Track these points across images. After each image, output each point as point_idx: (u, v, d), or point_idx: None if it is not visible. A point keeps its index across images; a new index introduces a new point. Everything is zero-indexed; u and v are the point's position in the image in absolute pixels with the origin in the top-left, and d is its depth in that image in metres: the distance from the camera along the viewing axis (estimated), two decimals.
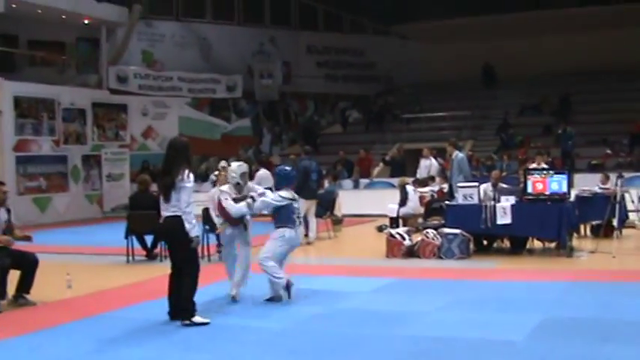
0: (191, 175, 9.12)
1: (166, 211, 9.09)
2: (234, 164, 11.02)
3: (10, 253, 10.67)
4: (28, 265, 10.64)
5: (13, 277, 10.62)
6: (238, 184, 10.52)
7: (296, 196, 10.84)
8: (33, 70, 28.81)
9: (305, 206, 17.46)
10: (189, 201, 9.04)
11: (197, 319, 8.91)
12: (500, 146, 30.23)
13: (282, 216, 10.45)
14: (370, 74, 38.95)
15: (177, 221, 8.98)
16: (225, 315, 9.58)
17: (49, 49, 29.62)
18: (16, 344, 8.48)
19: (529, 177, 14.80)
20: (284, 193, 10.52)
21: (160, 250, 14.93)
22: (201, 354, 7.87)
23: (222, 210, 10.58)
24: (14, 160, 25.11)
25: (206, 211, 14.94)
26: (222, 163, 14.29)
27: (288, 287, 10.36)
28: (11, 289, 10.64)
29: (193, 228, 9.04)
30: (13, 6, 24.98)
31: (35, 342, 8.54)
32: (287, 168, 11.24)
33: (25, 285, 10.67)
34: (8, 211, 11.01)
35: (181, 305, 9.00)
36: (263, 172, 20.01)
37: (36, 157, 25.83)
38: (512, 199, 14.55)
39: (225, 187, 10.73)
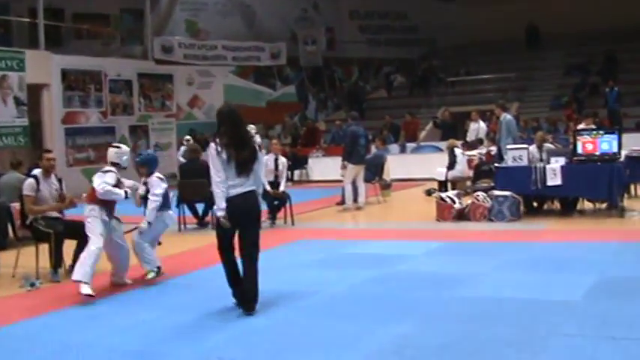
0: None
1: (243, 186, 8.07)
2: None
3: (63, 223, 10.86)
4: (83, 234, 10.79)
5: (69, 248, 10.78)
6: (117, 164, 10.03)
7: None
8: (79, 43, 29.09)
9: (354, 171, 17.54)
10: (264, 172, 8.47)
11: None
12: (576, 108, 29.02)
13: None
14: (413, 38, 38.78)
15: (256, 197, 8.23)
16: (280, 282, 9.60)
17: (94, 21, 29.92)
18: (77, 313, 8.61)
19: (579, 138, 14.69)
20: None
21: (211, 217, 15.02)
22: (257, 319, 7.90)
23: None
24: (63, 133, 25.39)
25: None
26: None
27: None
28: (67, 260, 10.82)
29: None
30: None
31: (95, 311, 8.66)
32: (149, 151, 10.71)
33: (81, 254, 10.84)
34: (59, 180, 11.14)
35: (254, 294, 8.15)
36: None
37: (84, 129, 26.04)
38: (561, 161, 14.46)
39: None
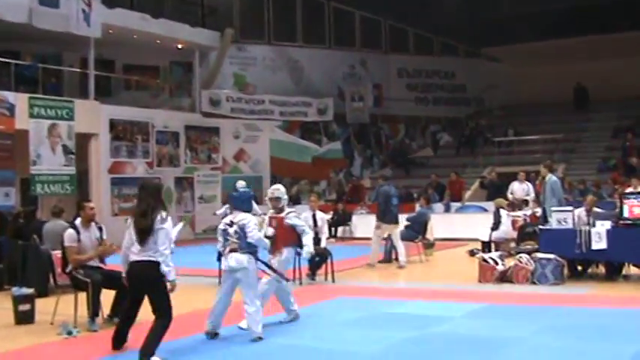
0: (169, 218, 8.88)
1: (139, 255, 8.70)
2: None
3: (102, 272, 10.90)
4: (123, 285, 10.78)
5: (108, 297, 10.79)
6: None
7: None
8: (128, 93, 29.50)
9: (387, 231, 17.54)
10: (166, 243, 8.71)
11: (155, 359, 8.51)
12: (624, 172, 28.39)
13: None
14: (461, 97, 38.77)
15: (152, 266, 8.65)
16: (319, 339, 9.54)
17: (144, 73, 30.29)
18: None
19: (625, 201, 14.46)
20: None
21: None
22: None
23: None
24: (109, 182, 25.68)
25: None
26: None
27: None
28: (106, 309, 10.84)
29: (171, 272, 8.77)
30: (110, 32, 25.56)
31: None
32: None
33: (120, 306, 10.83)
34: (100, 229, 11.22)
35: (147, 345, 8.58)
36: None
37: (130, 179, 26.24)
38: (607, 224, 14.23)
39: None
